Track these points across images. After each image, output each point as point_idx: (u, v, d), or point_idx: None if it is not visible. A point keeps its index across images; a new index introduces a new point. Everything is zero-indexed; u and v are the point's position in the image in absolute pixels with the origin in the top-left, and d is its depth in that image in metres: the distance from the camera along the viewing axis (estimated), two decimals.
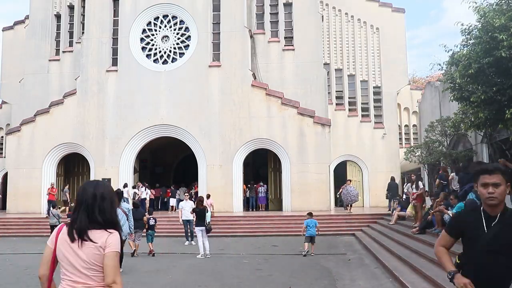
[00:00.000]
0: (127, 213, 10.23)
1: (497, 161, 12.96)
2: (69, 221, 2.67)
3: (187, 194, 17.55)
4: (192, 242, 14.76)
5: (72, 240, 2.53)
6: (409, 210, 15.53)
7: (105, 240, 2.51)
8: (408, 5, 67.80)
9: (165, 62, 23.31)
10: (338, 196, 21.96)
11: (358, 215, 19.47)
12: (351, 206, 20.42)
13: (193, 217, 13.16)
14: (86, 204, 2.59)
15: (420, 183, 15.44)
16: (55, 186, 22.25)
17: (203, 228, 12.13)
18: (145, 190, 21.96)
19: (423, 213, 13.56)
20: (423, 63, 75.14)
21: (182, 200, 17.76)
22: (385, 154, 25.51)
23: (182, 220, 15.08)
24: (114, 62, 23.48)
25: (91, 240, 2.50)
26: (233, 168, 21.99)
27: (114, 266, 2.50)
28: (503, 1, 9.99)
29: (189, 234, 15.08)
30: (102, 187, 2.67)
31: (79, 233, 2.52)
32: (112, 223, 2.61)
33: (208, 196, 18.42)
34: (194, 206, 13.74)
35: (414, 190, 15.18)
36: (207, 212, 12.87)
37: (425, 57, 72.12)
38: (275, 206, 23.18)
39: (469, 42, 10.48)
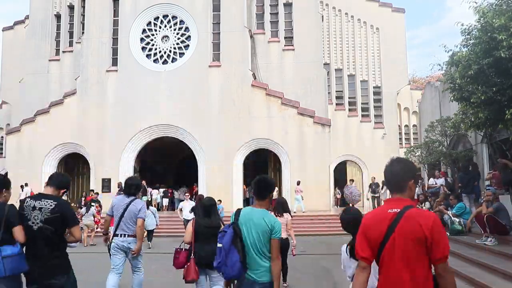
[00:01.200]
0: (154, 213, 14.75)
1: (497, 161, 12.98)
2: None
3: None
4: None
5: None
6: None
7: (287, 218, 7.93)
8: (408, 5, 67.86)
9: (165, 62, 23.31)
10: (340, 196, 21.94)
11: None
12: (353, 205, 20.47)
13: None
14: (280, 204, 7.90)
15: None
16: None
17: None
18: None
19: None
20: (423, 63, 75.21)
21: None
22: (385, 154, 25.42)
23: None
24: (114, 62, 23.49)
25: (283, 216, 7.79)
26: (233, 168, 21.99)
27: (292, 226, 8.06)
28: (503, 1, 9.99)
29: None
30: (283, 200, 8.48)
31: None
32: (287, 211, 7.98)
33: (298, 183, 19.69)
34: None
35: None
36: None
37: (425, 57, 72.22)
38: None
39: (469, 43, 10.47)
